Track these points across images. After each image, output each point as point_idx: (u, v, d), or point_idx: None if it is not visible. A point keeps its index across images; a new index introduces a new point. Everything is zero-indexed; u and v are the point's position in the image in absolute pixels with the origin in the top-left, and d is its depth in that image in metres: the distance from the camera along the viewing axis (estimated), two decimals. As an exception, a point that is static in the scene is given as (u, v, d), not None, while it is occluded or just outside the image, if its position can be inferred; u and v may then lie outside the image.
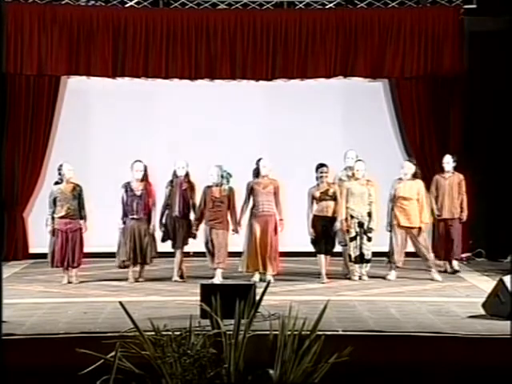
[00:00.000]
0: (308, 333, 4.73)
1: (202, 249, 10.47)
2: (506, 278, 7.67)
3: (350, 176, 10.54)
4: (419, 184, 10.61)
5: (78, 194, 10.16)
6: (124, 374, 4.58)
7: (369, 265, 10.53)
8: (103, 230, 10.96)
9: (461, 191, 10.93)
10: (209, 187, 10.27)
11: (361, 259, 10.41)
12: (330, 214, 10.19)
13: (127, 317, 4.88)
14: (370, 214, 10.37)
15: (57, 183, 10.24)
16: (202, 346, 4.71)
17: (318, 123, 12.60)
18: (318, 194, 10.20)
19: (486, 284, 9.46)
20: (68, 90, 12.66)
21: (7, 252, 12.15)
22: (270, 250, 10.13)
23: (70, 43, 12.27)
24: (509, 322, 7.11)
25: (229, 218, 10.23)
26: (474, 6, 12.28)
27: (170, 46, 12.39)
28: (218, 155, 11.29)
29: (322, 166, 10.25)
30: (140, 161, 10.36)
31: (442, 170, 11.07)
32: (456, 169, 11.06)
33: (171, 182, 10.39)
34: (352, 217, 10.36)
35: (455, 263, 11.09)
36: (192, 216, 10.32)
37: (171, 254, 10.49)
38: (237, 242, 10.45)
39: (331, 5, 12.55)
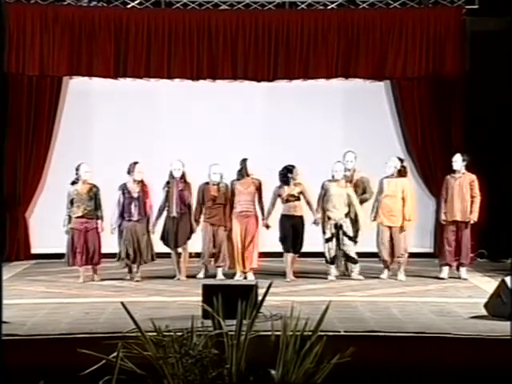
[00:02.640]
0: (310, 333, 4.73)
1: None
2: (508, 279, 7.67)
3: (331, 178, 10.56)
4: (404, 182, 10.65)
5: (94, 194, 10.33)
6: (126, 375, 4.58)
7: (358, 265, 10.54)
8: (106, 231, 10.97)
9: (472, 192, 10.54)
10: (206, 184, 10.52)
11: (348, 260, 10.53)
12: (297, 213, 10.36)
13: (129, 317, 4.88)
14: (347, 216, 10.45)
15: (74, 183, 10.37)
16: (203, 346, 4.71)
17: (320, 124, 12.60)
18: (284, 195, 10.36)
19: (487, 285, 9.46)
20: (70, 90, 12.67)
21: (9, 252, 12.16)
22: (250, 249, 10.38)
23: (72, 44, 12.25)
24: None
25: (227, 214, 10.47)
26: (475, 7, 12.26)
27: (172, 47, 12.37)
28: (219, 155, 11.31)
29: (293, 168, 10.42)
30: (138, 162, 10.45)
31: (452, 171, 10.74)
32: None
33: (168, 182, 10.53)
34: (329, 218, 10.46)
35: (463, 270, 10.61)
36: (190, 215, 10.49)
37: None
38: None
39: (333, 5, 12.54)
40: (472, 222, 10.57)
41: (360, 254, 10.75)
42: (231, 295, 5.24)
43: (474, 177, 10.62)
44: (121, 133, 12.49)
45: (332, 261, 10.52)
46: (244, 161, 10.63)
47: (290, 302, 6.42)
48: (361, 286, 10.00)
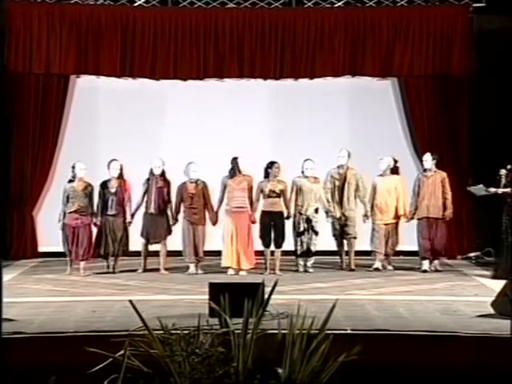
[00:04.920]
0: (316, 332, 4.73)
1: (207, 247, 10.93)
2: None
3: (302, 174, 10.99)
4: (397, 179, 11.12)
5: (89, 192, 10.78)
6: (132, 373, 4.58)
7: (313, 258, 11.01)
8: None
9: (445, 190, 11.00)
10: (184, 183, 10.81)
11: (307, 253, 10.90)
12: (277, 209, 10.66)
13: (136, 315, 4.89)
14: (317, 211, 10.86)
15: (70, 181, 10.79)
16: (210, 344, 4.70)
17: (327, 122, 12.59)
18: (266, 190, 10.57)
19: (494, 283, 9.44)
20: (77, 88, 12.69)
21: (16, 250, 12.20)
22: (245, 245, 10.57)
23: (79, 42, 12.29)
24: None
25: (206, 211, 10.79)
26: (482, 5, 12.25)
27: (179, 45, 12.39)
28: (225, 153, 11.32)
29: (273, 163, 10.70)
30: (116, 160, 10.90)
31: (423, 169, 11.29)
32: (438, 167, 11.22)
33: (148, 179, 10.88)
34: (300, 213, 10.83)
35: (436, 263, 11.11)
36: (169, 212, 10.84)
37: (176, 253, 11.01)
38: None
39: (340, 3, 12.53)
40: (448, 218, 11.02)
41: (356, 253, 11.27)
42: (238, 293, 5.24)
43: (445, 174, 11.09)
44: (127, 131, 12.49)
45: (303, 254, 10.91)
46: (235, 159, 10.83)
47: (297, 301, 6.42)
48: (367, 284, 10.00)
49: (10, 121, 12.04)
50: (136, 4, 12.54)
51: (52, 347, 6.50)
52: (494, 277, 10.06)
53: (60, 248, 11.27)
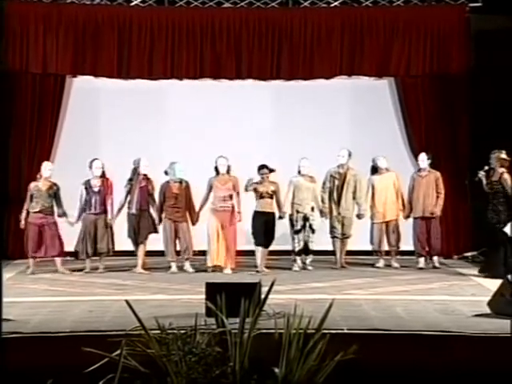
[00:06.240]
0: (313, 331, 4.73)
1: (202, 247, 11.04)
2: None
3: (299, 173, 11.16)
4: (394, 175, 11.37)
5: (54, 192, 10.82)
6: (129, 372, 4.58)
7: (311, 256, 11.15)
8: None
9: (438, 189, 11.21)
10: (167, 183, 10.93)
11: (305, 251, 11.06)
12: (269, 210, 10.83)
13: (133, 315, 4.89)
14: (313, 209, 11.03)
15: (37, 179, 10.88)
16: (207, 344, 4.70)
17: (324, 122, 12.60)
18: (260, 190, 10.76)
19: (491, 283, 9.45)
20: (75, 88, 12.69)
21: (13, 250, 12.16)
22: (230, 244, 10.80)
23: (75, 42, 12.29)
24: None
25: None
26: (479, 4, 12.26)
27: (175, 45, 12.39)
28: (222, 153, 11.32)
29: (262, 167, 10.85)
30: (98, 159, 10.97)
31: (418, 169, 11.48)
32: (436, 166, 11.44)
33: (130, 179, 10.92)
34: (298, 211, 10.97)
35: (435, 260, 11.34)
36: (152, 211, 10.93)
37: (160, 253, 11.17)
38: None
39: (336, 3, 12.54)
40: (436, 215, 11.24)
41: (354, 252, 11.61)
42: (234, 293, 5.24)
43: (439, 174, 11.30)
44: (125, 131, 12.49)
45: (301, 252, 11.07)
46: (218, 158, 10.99)
47: (294, 300, 6.42)
48: (364, 284, 10.01)
49: (6, 120, 12.03)
50: (133, 4, 12.54)
51: (48, 347, 6.49)
52: (481, 272, 10.41)
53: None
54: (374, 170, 11.44)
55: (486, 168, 10.65)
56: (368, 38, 12.39)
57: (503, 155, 10.59)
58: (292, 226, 11.05)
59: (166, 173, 11.05)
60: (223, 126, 12.55)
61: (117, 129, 12.53)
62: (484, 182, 10.60)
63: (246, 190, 10.76)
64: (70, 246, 11.12)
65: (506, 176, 10.53)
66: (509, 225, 10.09)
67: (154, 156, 11.78)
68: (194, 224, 11.00)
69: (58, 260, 10.87)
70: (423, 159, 11.34)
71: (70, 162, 11.81)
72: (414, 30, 12.44)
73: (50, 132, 12.45)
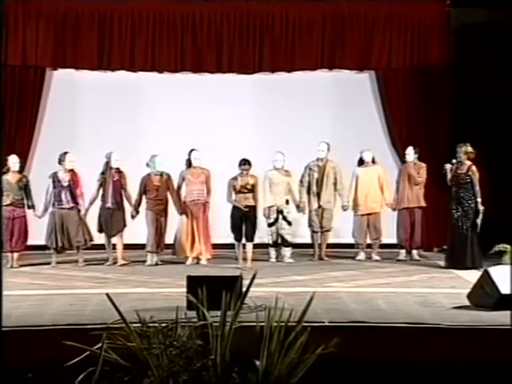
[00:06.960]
0: (294, 324, 4.74)
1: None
2: (491, 269, 7.71)
3: (274, 167, 11.22)
4: (379, 168, 11.48)
5: (24, 185, 10.82)
6: (110, 366, 4.58)
7: (290, 248, 11.22)
8: (92, 220, 11.06)
9: (418, 175, 11.40)
10: (148, 175, 10.99)
11: (282, 243, 11.14)
12: (248, 203, 10.80)
13: (114, 308, 4.88)
14: (288, 202, 11.12)
15: (4, 173, 10.66)
16: (188, 337, 4.71)
17: (306, 115, 12.60)
18: (238, 186, 10.76)
19: (470, 275, 9.50)
20: (55, 81, 12.62)
21: (-7, 244, 12.12)
22: (204, 236, 10.92)
23: (56, 34, 12.22)
24: (493, 313, 7.16)
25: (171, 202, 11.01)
26: (459, -2, 12.30)
27: (156, 38, 12.36)
28: (204, 147, 11.33)
29: (244, 163, 10.84)
30: (69, 152, 10.89)
31: (404, 162, 11.67)
32: (420, 159, 11.58)
33: (103, 173, 10.92)
34: (271, 205, 11.09)
35: (415, 252, 11.49)
36: (125, 204, 10.96)
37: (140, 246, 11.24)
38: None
39: (318, -4, 12.54)
40: (421, 205, 11.44)
41: (335, 245, 11.74)
42: (216, 286, 5.24)
43: (424, 165, 11.49)
44: (105, 124, 12.45)
45: (274, 244, 11.20)
46: (190, 152, 11.05)
47: (275, 293, 6.43)
48: (345, 276, 10.03)
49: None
50: (113, -4, 12.48)
51: (29, 341, 6.47)
52: (447, 266, 10.54)
53: (36, 241, 11.25)
54: (361, 162, 11.50)
55: (454, 161, 10.73)
56: (349, 32, 12.41)
57: (470, 148, 10.69)
58: (267, 218, 11.16)
59: (148, 165, 11.04)
60: (204, 119, 12.52)
61: (97, 122, 12.49)
62: (449, 175, 10.67)
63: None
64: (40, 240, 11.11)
65: (474, 168, 10.65)
66: (473, 216, 10.41)
67: (134, 149, 11.76)
68: (180, 214, 11.03)
69: (15, 255, 10.84)
70: (409, 153, 11.50)
71: (49, 155, 11.71)
72: (395, 23, 12.47)
73: (30, 125, 12.39)
